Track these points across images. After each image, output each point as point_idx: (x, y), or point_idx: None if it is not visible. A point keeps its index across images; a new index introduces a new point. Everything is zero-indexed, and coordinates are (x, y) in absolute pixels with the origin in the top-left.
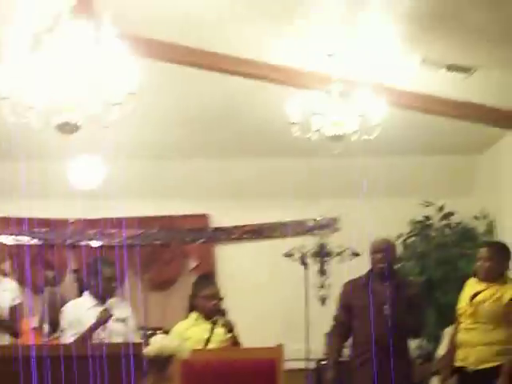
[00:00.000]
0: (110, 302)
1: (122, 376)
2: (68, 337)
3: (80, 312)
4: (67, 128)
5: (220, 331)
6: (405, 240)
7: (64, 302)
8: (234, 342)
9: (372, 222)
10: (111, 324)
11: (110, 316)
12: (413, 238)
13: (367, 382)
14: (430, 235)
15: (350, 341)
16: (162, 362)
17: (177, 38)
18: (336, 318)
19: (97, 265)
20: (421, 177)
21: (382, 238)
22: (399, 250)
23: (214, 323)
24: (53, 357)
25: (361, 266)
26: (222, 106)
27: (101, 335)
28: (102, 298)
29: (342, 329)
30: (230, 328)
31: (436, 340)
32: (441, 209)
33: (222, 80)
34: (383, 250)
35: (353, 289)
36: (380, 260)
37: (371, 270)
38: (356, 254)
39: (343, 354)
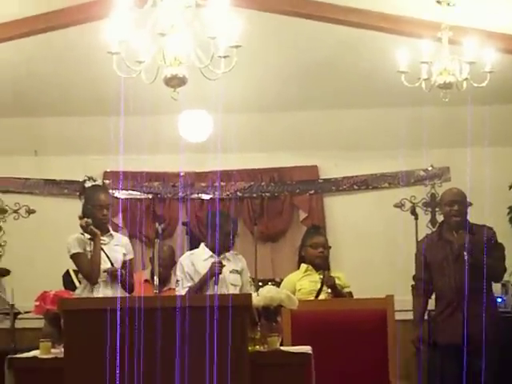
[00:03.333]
0: (226, 254)
1: (233, 326)
2: (184, 288)
3: (196, 262)
4: (175, 81)
5: None
6: None
7: (174, 255)
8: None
9: (483, 171)
10: (228, 275)
11: (223, 266)
12: None
13: (456, 333)
14: None
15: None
16: (272, 312)
17: None
18: (415, 277)
19: (215, 218)
20: None
21: (454, 188)
22: None
23: (324, 274)
24: (165, 308)
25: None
26: (329, 57)
27: (215, 286)
28: (218, 251)
29: (423, 287)
30: (331, 284)
31: None
32: None
33: (329, 30)
34: (458, 203)
35: (427, 245)
36: (456, 212)
37: (443, 222)
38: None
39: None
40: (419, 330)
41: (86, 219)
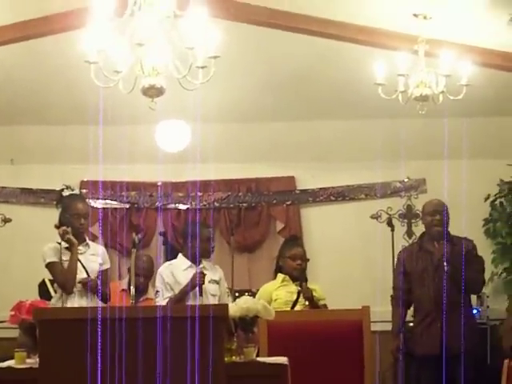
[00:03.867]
0: (204, 263)
1: (210, 337)
2: (164, 299)
3: (176, 273)
4: (152, 91)
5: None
6: (493, 201)
7: (151, 265)
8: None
9: (459, 183)
10: (207, 285)
11: (204, 276)
12: (501, 199)
13: (434, 344)
14: None
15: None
16: (249, 323)
17: (261, 0)
18: (395, 287)
19: (193, 227)
20: (509, 137)
21: (435, 199)
22: (487, 210)
23: (301, 286)
24: (142, 318)
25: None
26: (307, 68)
27: (197, 297)
28: (195, 260)
29: (402, 297)
30: (308, 296)
31: None
32: None
33: (306, 42)
34: (439, 213)
35: (408, 255)
36: (437, 222)
37: (424, 233)
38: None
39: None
40: (398, 340)
41: (64, 228)
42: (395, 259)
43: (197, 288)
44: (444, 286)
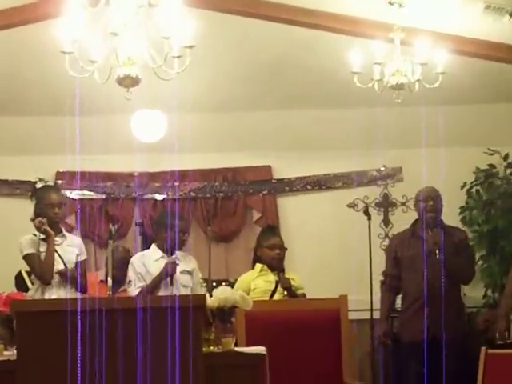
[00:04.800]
0: (177, 253)
1: (188, 327)
2: (136, 288)
3: (148, 263)
4: (128, 81)
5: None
6: (469, 189)
7: (127, 256)
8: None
9: (436, 171)
10: (179, 276)
11: (176, 266)
12: (477, 187)
13: (418, 331)
14: (495, 184)
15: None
16: (226, 313)
17: None
18: (385, 273)
19: (166, 217)
20: (485, 125)
21: (429, 186)
22: (464, 198)
23: (279, 276)
24: (119, 309)
25: None
26: (282, 57)
27: (168, 287)
28: (169, 251)
29: (392, 282)
30: (286, 286)
31: (501, 289)
32: (506, 157)
33: (281, 30)
34: (433, 199)
35: (400, 241)
36: (431, 208)
37: (417, 220)
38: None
39: (394, 307)
40: (386, 325)
41: (39, 219)
42: (373, 247)
43: (167, 278)
44: (435, 273)
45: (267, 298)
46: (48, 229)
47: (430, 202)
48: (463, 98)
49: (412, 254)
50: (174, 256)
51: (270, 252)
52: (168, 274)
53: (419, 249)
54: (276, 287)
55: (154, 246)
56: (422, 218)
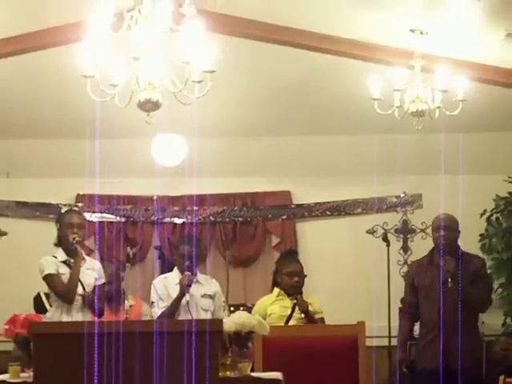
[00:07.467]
0: (199, 277)
1: (204, 352)
2: (160, 308)
3: (169, 286)
4: (148, 106)
5: None
6: (489, 217)
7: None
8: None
9: (455, 198)
10: (199, 299)
11: (193, 278)
12: (497, 215)
13: (432, 360)
14: None
15: None
16: (243, 338)
17: (256, 15)
18: (403, 300)
19: (182, 243)
20: (505, 153)
21: (445, 214)
22: (483, 226)
23: (297, 298)
24: (137, 333)
25: None
26: (302, 83)
27: (188, 311)
28: (195, 271)
29: (409, 310)
30: (304, 309)
31: None
32: None
33: (302, 56)
34: (447, 227)
35: (417, 269)
36: (446, 237)
37: (434, 248)
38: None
39: (412, 334)
40: (404, 353)
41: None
42: (392, 274)
43: (186, 302)
44: (448, 302)
45: (282, 324)
46: (79, 247)
47: (445, 230)
48: (483, 126)
49: (428, 282)
50: (195, 279)
51: (289, 280)
52: (185, 285)
53: (435, 277)
54: (292, 312)
55: (175, 269)
56: (438, 245)
